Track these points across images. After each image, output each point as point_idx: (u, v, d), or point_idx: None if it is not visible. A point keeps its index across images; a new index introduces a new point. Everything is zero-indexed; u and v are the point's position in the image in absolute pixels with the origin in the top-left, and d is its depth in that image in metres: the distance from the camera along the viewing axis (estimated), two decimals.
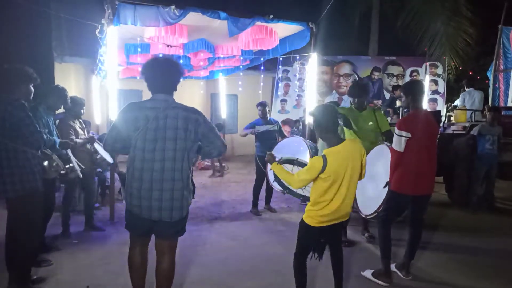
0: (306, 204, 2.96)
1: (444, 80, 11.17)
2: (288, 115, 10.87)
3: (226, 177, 9.52)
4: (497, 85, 9.66)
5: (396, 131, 3.50)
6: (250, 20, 5.97)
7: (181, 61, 8.45)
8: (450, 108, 9.17)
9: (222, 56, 8.38)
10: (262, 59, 8.71)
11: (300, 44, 7.03)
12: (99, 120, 9.83)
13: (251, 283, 3.60)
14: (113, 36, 5.32)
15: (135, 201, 2.61)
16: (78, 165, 4.32)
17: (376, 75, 11.63)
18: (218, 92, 12.47)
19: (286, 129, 6.43)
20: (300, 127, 8.87)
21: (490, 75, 9.78)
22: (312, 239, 2.90)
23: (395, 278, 3.66)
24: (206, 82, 12.90)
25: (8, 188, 3.04)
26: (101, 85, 9.31)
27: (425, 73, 10.95)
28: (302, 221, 2.89)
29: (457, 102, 9.18)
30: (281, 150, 5.60)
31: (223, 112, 12.40)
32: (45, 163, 3.43)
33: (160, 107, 2.60)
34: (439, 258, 4.24)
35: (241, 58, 8.72)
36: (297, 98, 11.87)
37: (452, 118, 8.16)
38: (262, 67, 10.09)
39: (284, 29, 6.79)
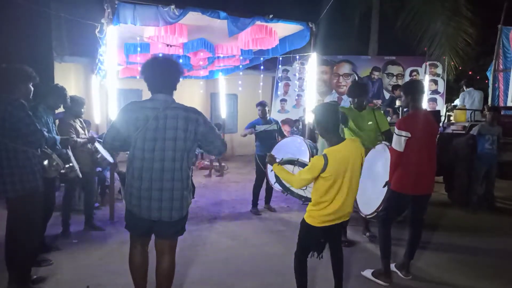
0: (307, 204, 2.96)
1: (444, 80, 11.17)
2: (287, 115, 10.88)
3: (226, 177, 9.52)
4: (496, 85, 9.66)
5: (396, 130, 3.50)
6: (250, 19, 5.97)
7: (180, 60, 8.44)
8: (449, 107, 9.18)
9: (222, 55, 8.37)
10: (262, 58, 8.70)
11: (300, 44, 7.03)
12: (99, 120, 9.81)
13: (251, 282, 3.60)
14: (112, 36, 5.31)
15: (135, 201, 2.61)
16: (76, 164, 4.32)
17: (376, 74, 11.62)
18: (217, 92, 12.44)
19: (285, 129, 6.44)
20: (300, 126, 8.86)
21: (489, 75, 9.79)
22: (313, 239, 2.91)
23: (395, 278, 3.67)
24: (205, 81, 12.89)
25: (8, 188, 3.04)
26: (101, 84, 9.30)
27: (425, 73, 10.95)
28: (303, 220, 2.89)
29: (457, 102, 9.18)
30: (281, 149, 5.61)
31: (223, 112, 12.36)
32: (45, 162, 3.43)
33: (160, 107, 2.60)
34: (439, 258, 4.24)
35: (241, 57, 8.71)
36: (296, 97, 11.87)
37: (451, 118, 8.16)
38: (262, 67, 10.09)
39: (284, 28, 6.79)
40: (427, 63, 11.00)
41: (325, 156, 2.68)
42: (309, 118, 6.65)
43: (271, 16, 6.06)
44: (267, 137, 6.00)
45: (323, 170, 2.67)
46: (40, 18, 6.15)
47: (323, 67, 11.54)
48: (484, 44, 12.72)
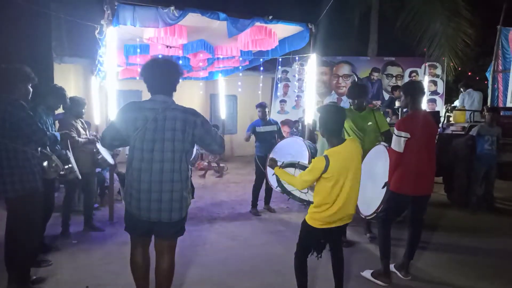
0: (308, 206, 2.98)
1: (443, 81, 11.19)
2: (287, 116, 10.90)
3: (225, 177, 9.52)
4: (496, 85, 9.68)
5: (395, 131, 3.51)
6: (250, 20, 5.98)
7: (180, 62, 8.44)
8: (449, 108, 9.19)
9: (221, 56, 8.38)
10: (261, 59, 8.70)
11: (299, 45, 7.03)
12: (99, 121, 9.82)
13: (251, 283, 3.60)
14: (112, 37, 5.31)
15: (134, 202, 2.61)
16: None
17: (375, 75, 11.64)
18: (217, 93, 12.48)
19: (285, 130, 6.45)
20: (300, 127, 8.87)
21: (489, 75, 9.80)
22: (313, 240, 2.93)
23: (395, 278, 3.67)
24: (205, 82, 12.90)
25: (8, 188, 3.04)
26: (101, 85, 9.31)
27: (424, 73, 10.97)
28: (304, 221, 2.90)
29: (457, 103, 9.20)
30: (280, 150, 5.62)
31: (223, 113, 12.40)
32: (45, 163, 3.43)
33: (159, 108, 2.60)
34: (439, 258, 4.24)
35: (241, 58, 8.72)
36: (296, 98, 11.89)
37: (451, 119, 8.17)
38: (262, 68, 10.10)
39: (283, 29, 6.80)
40: (427, 64, 11.02)
41: (326, 157, 2.69)
42: (309, 119, 6.66)
43: (270, 17, 6.06)
44: (266, 138, 6.01)
45: (325, 171, 2.68)
46: (40, 19, 6.17)
47: (322, 68, 11.56)
48: (483, 45, 12.75)
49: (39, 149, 3.31)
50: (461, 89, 9.10)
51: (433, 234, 4.99)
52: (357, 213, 4.04)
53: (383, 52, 12.77)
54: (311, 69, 6.98)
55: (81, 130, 4.79)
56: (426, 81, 10.54)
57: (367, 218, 3.92)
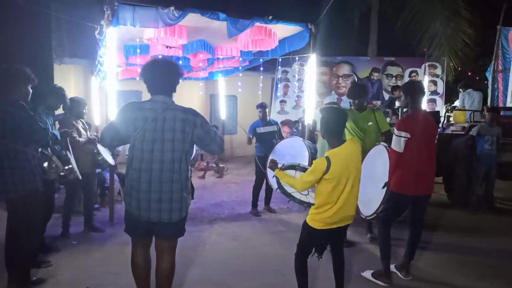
0: (309, 208, 2.98)
1: (443, 81, 11.19)
2: (287, 116, 10.90)
3: (225, 178, 9.52)
4: (496, 85, 9.67)
5: (395, 131, 3.51)
6: (249, 21, 5.98)
7: (180, 62, 8.44)
8: (449, 108, 9.18)
9: (221, 57, 8.38)
10: (261, 60, 8.70)
11: (299, 45, 7.03)
12: (99, 121, 9.81)
13: (251, 283, 3.60)
14: (112, 37, 5.31)
15: (134, 202, 2.61)
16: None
17: (375, 75, 11.64)
18: (217, 93, 12.46)
19: (285, 130, 6.45)
20: (300, 127, 8.87)
21: (489, 75, 9.80)
22: (314, 241, 2.93)
23: (395, 278, 3.67)
24: (205, 83, 12.90)
25: (9, 188, 3.04)
26: (101, 86, 9.29)
27: (424, 73, 10.97)
28: (305, 223, 2.91)
29: (457, 103, 9.19)
30: (280, 151, 5.63)
31: (223, 113, 12.39)
32: (45, 164, 3.43)
33: (159, 108, 2.60)
34: (439, 258, 4.24)
35: (240, 59, 8.72)
36: (296, 99, 11.89)
37: (451, 119, 8.17)
38: (262, 68, 10.10)
39: (283, 30, 6.80)
40: (427, 64, 11.02)
41: (327, 158, 2.70)
42: (309, 119, 6.66)
43: (270, 17, 6.07)
44: (267, 139, 6.01)
45: (326, 172, 2.69)
46: (40, 19, 6.16)
47: (322, 68, 11.56)
48: (483, 44, 12.75)
49: (39, 149, 3.31)
50: (460, 90, 9.10)
51: (433, 234, 4.99)
52: (357, 213, 4.04)
53: (383, 52, 12.77)
54: (311, 69, 6.98)
55: (82, 130, 4.80)
56: (426, 81, 10.54)
57: (367, 218, 3.92)
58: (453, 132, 7.00)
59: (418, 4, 11.18)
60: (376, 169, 3.83)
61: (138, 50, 7.31)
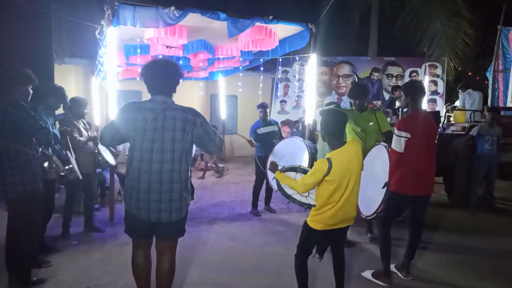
0: (309, 209, 2.98)
1: (444, 81, 11.19)
2: (287, 116, 10.89)
3: (225, 178, 9.52)
4: (496, 85, 9.67)
5: (396, 131, 3.51)
6: (250, 21, 5.97)
7: (180, 62, 8.44)
8: (449, 108, 9.18)
9: (221, 57, 8.38)
10: (261, 60, 8.70)
11: (299, 45, 7.03)
12: (99, 121, 9.82)
13: (251, 283, 3.60)
14: (112, 37, 5.31)
15: (134, 202, 2.61)
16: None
17: (376, 75, 11.64)
18: (217, 93, 12.48)
19: (285, 130, 6.44)
20: (300, 127, 8.87)
21: (489, 75, 9.80)
22: (314, 242, 2.93)
23: (395, 278, 3.67)
24: (205, 83, 12.91)
25: (9, 188, 3.04)
26: (101, 86, 9.30)
27: (425, 73, 10.96)
28: (305, 224, 2.91)
29: (457, 103, 9.19)
30: (281, 151, 5.63)
31: (223, 113, 12.40)
32: (45, 164, 3.44)
33: (159, 108, 2.61)
34: (439, 259, 4.24)
35: (241, 59, 8.72)
36: (296, 99, 11.89)
37: (451, 119, 8.16)
38: (262, 68, 10.10)
39: (283, 30, 6.80)
40: (427, 64, 11.02)
41: (329, 160, 2.70)
42: (309, 119, 6.66)
43: (270, 17, 6.06)
44: (267, 139, 6.01)
45: (327, 173, 2.68)
46: (40, 19, 6.17)
47: (322, 68, 11.55)
48: (483, 44, 12.74)
49: (39, 149, 3.31)
50: (460, 91, 9.10)
51: (434, 234, 4.99)
52: (357, 213, 4.05)
53: (383, 52, 12.77)
54: (311, 69, 6.98)
55: (83, 130, 4.80)
56: (426, 81, 10.54)
57: (367, 218, 3.92)
58: (454, 132, 7.00)
59: (418, 4, 11.19)
60: (376, 169, 3.83)
61: (139, 50, 7.31)
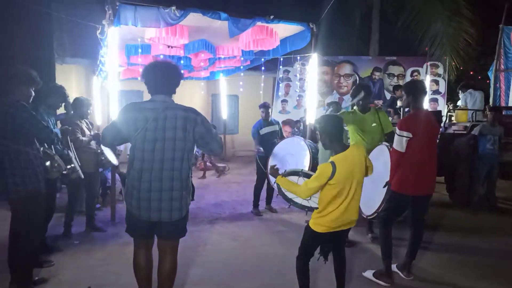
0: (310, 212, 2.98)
1: (445, 80, 11.17)
2: (288, 116, 10.88)
3: (226, 177, 9.52)
4: (498, 85, 9.65)
5: (397, 131, 3.50)
6: (251, 20, 5.98)
7: (181, 61, 8.46)
8: (451, 108, 9.16)
9: (222, 56, 8.38)
10: (262, 59, 8.71)
11: (300, 45, 7.03)
12: (100, 121, 9.84)
13: (251, 283, 3.60)
14: (114, 37, 5.32)
15: (135, 202, 2.62)
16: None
17: (377, 75, 11.63)
18: (218, 93, 12.48)
19: (286, 130, 6.43)
20: (301, 127, 8.87)
21: (491, 75, 9.77)
22: (316, 244, 2.94)
23: (396, 278, 3.66)
24: (206, 82, 12.91)
25: (10, 189, 3.04)
26: (102, 86, 9.32)
27: (426, 73, 10.95)
28: (307, 226, 2.91)
29: (459, 103, 9.18)
30: (281, 150, 5.63)
31: (224, 113, 12.40)
32: (47, 163, 3.44)
33: (159, 108, 2.61)
34: (440, 258, 4.24)
35: (242, 58, 8.72)
36: (297, 98, 11.88)
37: (453, 118, 8.15)
38: (263, 68, 10.10)
39: (284, 29, 6.80)
40: (428, 63, 11.00)
41: (332, 163, 2.70)
42: (310, 119, 6.66)
43: (271, 17, 6.06)
44: (268, 138, 6.00)
45: (331, 177, 2.68)
46: (41, 19, 6.18)
47: (324, 68, 11.55)
48: (485, 44, 12.70)
49: (41, 149, 3.32)
50: (460, 91, 9.09)
51: (435, 234, 4.98)
52: (358, 213, 4.04)
53: (384, 51, 12.76)
54: (312, 68, 6.98)
55: (86, 130, 4.81)
56: (428, 81, 10.53)
57: (368, 217, 3.92)
58: (455, 132, 6.99)
59: (419, 4, 11.16)
60: (378, 168, 3.82)
61: (140, 50, 7.32)
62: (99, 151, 4.80)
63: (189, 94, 12.11)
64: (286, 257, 3.90)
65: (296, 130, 8.43)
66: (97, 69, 8.85)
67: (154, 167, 2.58)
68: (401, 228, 4.20)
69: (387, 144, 3.90)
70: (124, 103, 2.84)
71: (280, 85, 12.08)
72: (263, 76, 11.22)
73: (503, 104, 9.53)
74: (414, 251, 3.73)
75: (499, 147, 6.13)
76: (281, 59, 11.32)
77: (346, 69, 11.81)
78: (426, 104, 10.16)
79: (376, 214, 3.69)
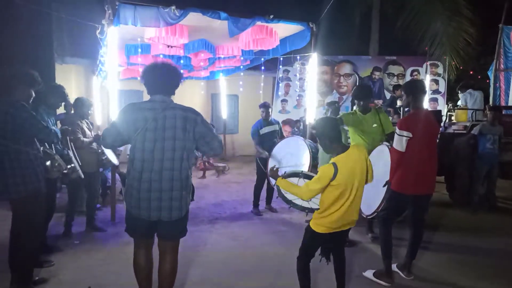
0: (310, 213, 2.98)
1: (445, 80, 11.17)
2: (288, 115, 10.88)
3: (226, 177, 9.51)
4: (497, 84, 9.65)
5: (397, 130, 3.50)
6: (251, 20, 5.98)
7: (181, 61, 8.45)
8: (451, 107, 9.16)
9: (222, 56, 8.38)
10: (262, 59, 8.71)
11: (300, 44, 7.03)
12: (100, 121, 9.84)
13: (251, 283, 3.60)
14: (113, 37, 5.32)
15: (134, 202, 2.62)
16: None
17: (377, 75, 11.63)
18: (218, 93, 12.48)
19: (286, 129, 6.43)
20: (301, 127, 8.87)
21: (490, 74, 9.78)
22: (317, 245, 2.94)
23: (397, 278, 3.66)
24: (206, 82, 12.90)
25: (11, 189, 3.04)
26: (102, 85, 9.30)
27: (426, 72, 10.95)
28: (308, 227, 2.91)
29: (459, 103, 9.18)
30: (281, 150, 5.62)
31: (224, 113, 12.40)
32: (48, 163, 3.44)
33: (158, 108, 2.62)
34: (440, 258, 4.24)
35: (242, 58, 8.72)
36: (297, 98, 11.88)
37: (453, 118, 8.15)
38: (263, 67, 10.10)
39: (284, 29, 6.79)
40: (428, 63, 10.99)
41: (334, 165, 2.69)
42: (310, 118, 6.65)
43: (271, 16, 6.06)
44: (268, 138, 5.99)
45: (333, 178, 2.68)
46: (41, 19, 6.18)
47: (323, 67, 11.54)
48: (485, 43, 12.70)
49: (41, 148, 3.32)
50: (459, 92, 9.09)
51: (435, 234, 4.98)
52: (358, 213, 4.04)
53: (384, 51, 12.76)
54: (312, 68, 6.98)
55: (87, 130, 4.80)
56: (427, 80, 10.52)
57: (368, 217, 3.92)
58: (455, 131, 6.99)
59: (419, 4, 11.16)
60: (379, 168, 3.82)
61: (139, 50, 7.32)
62: (99, 151, 4.79)
63: (189, 94, 12.10)
64: (286, 257, 3.90)
65: (296, 129, 8.43)
66: (97, 69, 8.84)
67: (154, 167, 2.58)
68: (401, 228, 4.20)
69: (387, 143, 3.90)
70: (123, 103, 2.84)
71: (280, 84, 12.08)
72: (263, 75, 11.22)
73: (502, 103, 9.53)
74: (414, 251, 3.73)
75: (499, 147, 6.13)
76: (281, 58, 11.27)
77: (346, 68, 11.81)
78: (426, 104, 10.16)
79: (376, 213, 3.69)
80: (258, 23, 6.24)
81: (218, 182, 8.94)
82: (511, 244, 4.78)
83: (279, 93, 12.07)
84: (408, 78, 11.33)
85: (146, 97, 2.76)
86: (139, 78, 2.85)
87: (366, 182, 2.89)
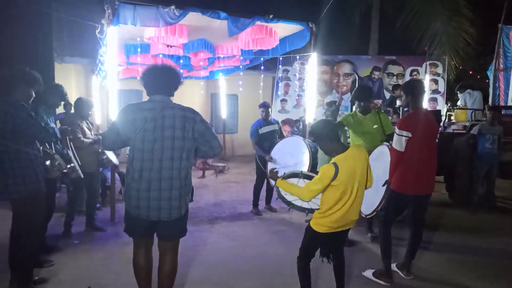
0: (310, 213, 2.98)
1: (444, 80, 11.16)
2: (288, 115, 10.88)
3: (226, 177, 9.51)
4: (497, 84, 9.65)
5: (397, 130, 3.50)
6: (250, 20, 5.97)
7: (181, 61, 8.45)
8: (450, 107, 9.17)
9: (222, 56, 8.37)
10: (262, 59, 8.71)
11: (300, 44, 7.03)
12: (99, 120, 9.83)
13: (251, 283, 3.60)
14: (113, 37, 5.31)
15: (134, 201, 2.62)
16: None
17: (376, 74, 11.62)
18: (218, 92, 12.48)
19: (286, 129, 6.43)
20: (301, 126, 8.87)
21: (490, 74, 9.78)
22: (317, 244, 2.94)
23: (396, 277, 3.67)
24: (206, 82, 12.89)
25: (11, 189, 3.04)
26: (101, 85, 9.31)
27: (425, 72, 10.94)
28: (309, 226, 2.91)
29: (459, 103, 9.18)
30: (281, 149, 5.63)
31: (223, 112, 12.40)
32: (47, 162, 3.44)
33: (157, 107, 2.62)
34: (440, 258, 4.24)
35: (241, 58, 8.72)
36: (297, 98, 11.87)
37: (452, 118, 8.15)
38: (262, 67, 10.09)
39: (284, 28, 6.79)
40: (428, 62, 10.98)
41: (335, 165, 2.69)
42: (310, 118, 6.65)
43: (271, 16, 6.06)
44: (268, 138, 5.99)
45: (334, 178, 2.68)
46: (41, 19, 6.19)
47: (323, 67, 11.53)
48: (484, 43, 12.71)
49: (41, 148, 3.31)
50: (458, 92, 9.09)
51: (435, 234, 4.99)
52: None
53: (384, 51, 12.76)
54: (312, 68, 6.98)
55: (87, 130, 4.80)
56: (427, 80, 10.51)
57: (367, 217, 3.93)
58: (455, 131, 6.99)
59: (418, 4, 11.17)
60: (378, 169, 3.82)
61: (139, 49, 7.31)
62: (99, 150, 4.79)
63: (189, 94, 12.10)
64: (286, 257, 3.91)
65: (296, 129, 8.43)
66: (96, 69, 8.84)
67: (154, 166, 2.58)
68: (400, 228, 4.20)
69: (387, 144, 3.91)
70: (123, 103, 2.85)
71: (280, 84, 12.07)
72: (262, 75, 11.22)
73: (502, 103, 9.53)
74: (413, 251, 3.73)
75: (498, 147, 6.13)
76: (281, 58, 11.28)
77: (346, 68, 11.80)
78: (426, 104, 10.17)
79: (375, 213, 3.70)
80: (258, 22, 6.24)
81: (218, 182, 8.93)
82: (511, 244, 4.79)
83: (279, 92, 12.07)
84: (407, 78, 11.32)
85: (146, 97, 2.77)
86: (138, 78, 2.86)
87: (366, 187, 2.89)
